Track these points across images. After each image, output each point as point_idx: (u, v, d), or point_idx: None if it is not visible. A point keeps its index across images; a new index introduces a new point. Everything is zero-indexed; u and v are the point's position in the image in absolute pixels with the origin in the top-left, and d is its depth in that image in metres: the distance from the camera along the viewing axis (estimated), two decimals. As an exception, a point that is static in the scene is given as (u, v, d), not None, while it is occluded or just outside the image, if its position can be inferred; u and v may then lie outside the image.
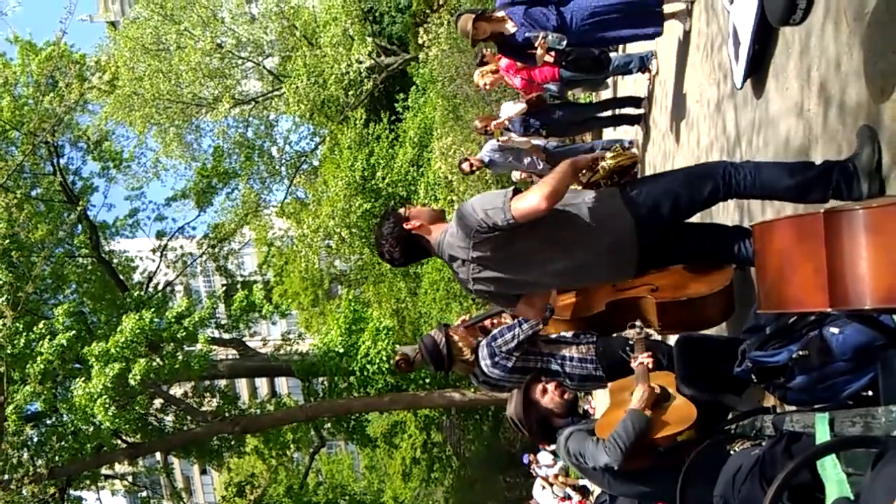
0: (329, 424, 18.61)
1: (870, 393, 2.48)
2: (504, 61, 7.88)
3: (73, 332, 13.92)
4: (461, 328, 4.63)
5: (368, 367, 16.00)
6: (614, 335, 4.58)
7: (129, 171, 20.42)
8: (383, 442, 22.09)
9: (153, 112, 18.50)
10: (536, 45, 5.70)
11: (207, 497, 38.51)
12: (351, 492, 23.51)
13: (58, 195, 18.34)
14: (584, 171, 3.57)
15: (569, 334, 4.52)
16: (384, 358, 15.75)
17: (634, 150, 8.42)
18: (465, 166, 9.27)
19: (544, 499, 14.95)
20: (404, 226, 3.50)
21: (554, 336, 4.52)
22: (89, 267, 19.22)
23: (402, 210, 3.58)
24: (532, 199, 3.23)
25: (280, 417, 17.53)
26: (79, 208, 17.63)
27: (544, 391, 3.93)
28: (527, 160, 8.96)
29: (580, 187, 3.64)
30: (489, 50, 8.37)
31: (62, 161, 18.87)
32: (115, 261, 20.04)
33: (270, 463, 19.94)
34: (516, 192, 3.33)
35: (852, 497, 1.85)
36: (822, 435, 2.18)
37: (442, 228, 3.50)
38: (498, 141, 8.54)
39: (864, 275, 1.84)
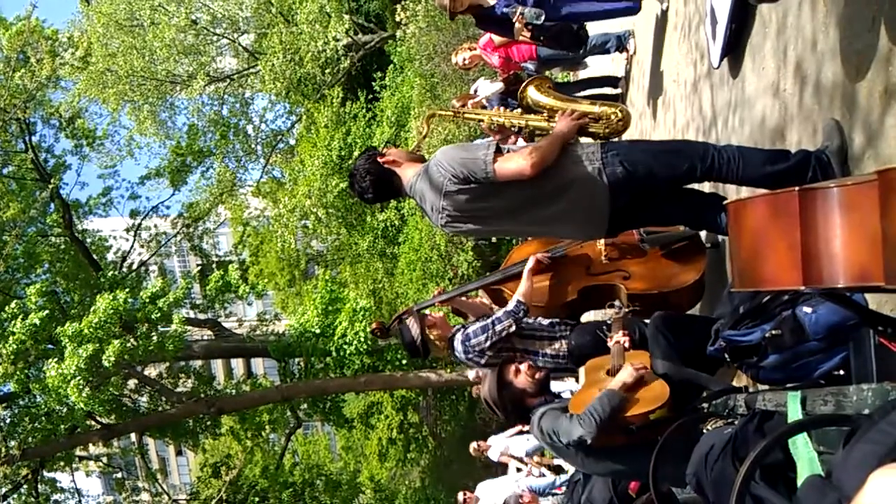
0: (305, 405, 18.55)
1: (841, 372, 2.49)
2: (482, 40, 7.82)
3: (46, 311, 13.76)
4: (436, 318, 4.68)
5: (345, 347, 15.92)
6: (587, 321, 4.62)
7: (103, 149, 20.27)
8: (360, 422, 22.09)
9: (127, 89, 18.22)
10: (514, 20, 5.67)
11: (183, 478, 38.41)
12: (327, 472, 23.45)
13: (30, 173, 18.12)
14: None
15: (546, 322, 4.53)
16: (361, 338, 15.68)
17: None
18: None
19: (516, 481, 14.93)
20: (378, 159, 3.55)
21: (530, 321, 4.50)
22: (62, 246, 19.00)
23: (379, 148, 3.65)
24: (520, 163, 3.27)
25: (256, 398, 17.41)
26: (51, 186, 17.41)
27: (517, 371, 3.92)
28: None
29: None
30: None
31: (34, 138, 18.66)
32: (88, 240, 19.80)
33: (246, 444, 19.85)
34: (498, 149, 3.35)
35: (823, 475, 1.85)
36: (794, 413, 2.18)
37: (417, 170, 3.51)
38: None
39: (837, 253, 1.83)
